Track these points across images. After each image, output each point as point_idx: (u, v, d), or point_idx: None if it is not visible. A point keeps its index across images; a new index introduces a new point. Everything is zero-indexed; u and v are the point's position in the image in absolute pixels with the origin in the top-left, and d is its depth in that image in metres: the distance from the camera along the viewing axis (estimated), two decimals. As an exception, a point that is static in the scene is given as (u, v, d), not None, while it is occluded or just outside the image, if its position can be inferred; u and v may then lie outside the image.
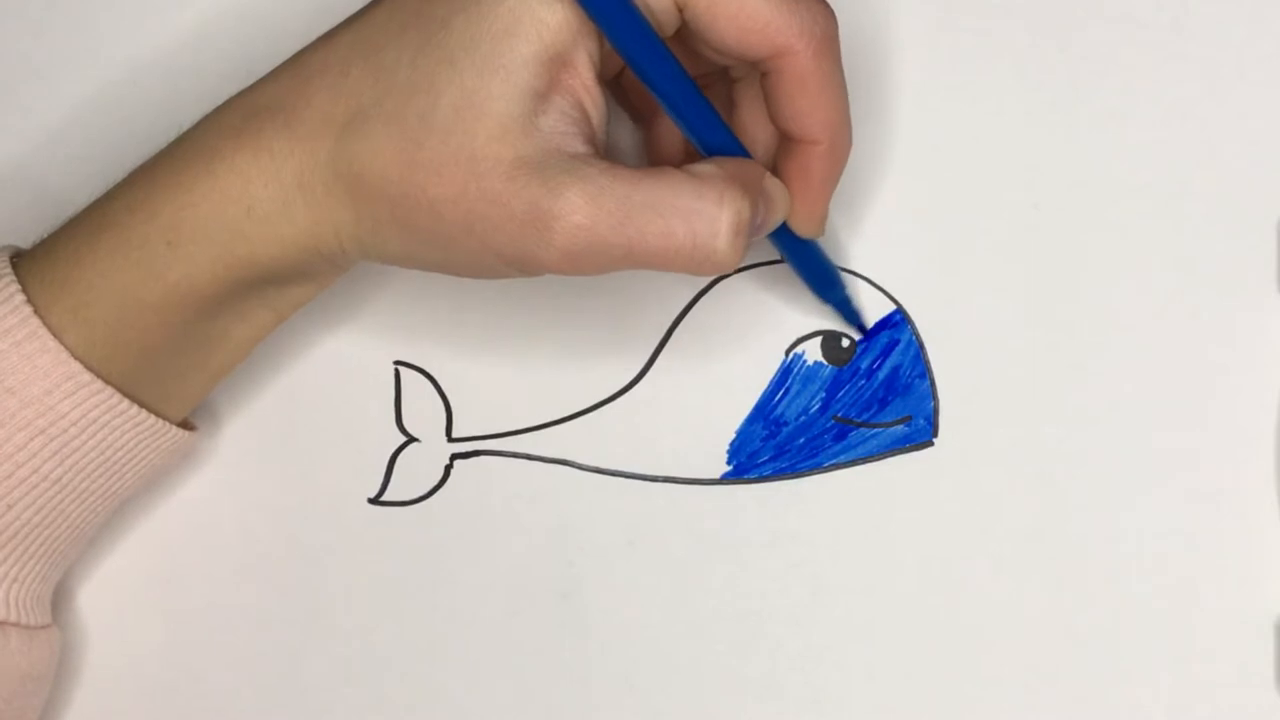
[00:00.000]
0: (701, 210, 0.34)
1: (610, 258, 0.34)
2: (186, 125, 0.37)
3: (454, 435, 0.43)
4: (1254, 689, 0.41)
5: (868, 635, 0.42)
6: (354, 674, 0.42)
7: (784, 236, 0.39)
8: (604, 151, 0.36)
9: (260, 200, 0.35)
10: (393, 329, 0.43)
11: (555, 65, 0.34)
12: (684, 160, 0.38)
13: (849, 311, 0.42)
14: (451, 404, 0.43)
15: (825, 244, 0.41)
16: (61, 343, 0.36)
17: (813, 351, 0.43)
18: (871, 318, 0.43)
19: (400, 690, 0.42)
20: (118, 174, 0.37)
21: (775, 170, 0.38)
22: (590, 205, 0.34)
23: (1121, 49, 0.44)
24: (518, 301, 0.43)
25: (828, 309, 0.43)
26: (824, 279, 0.42)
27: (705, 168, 0.35)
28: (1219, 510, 0.42)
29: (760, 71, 0.37)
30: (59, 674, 0.41)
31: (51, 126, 0.45)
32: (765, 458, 0.43)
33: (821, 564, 0.42)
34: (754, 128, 0.39)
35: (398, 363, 0.43)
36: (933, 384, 0.43)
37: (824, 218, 0.39)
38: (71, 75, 0.45)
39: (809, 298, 0.43)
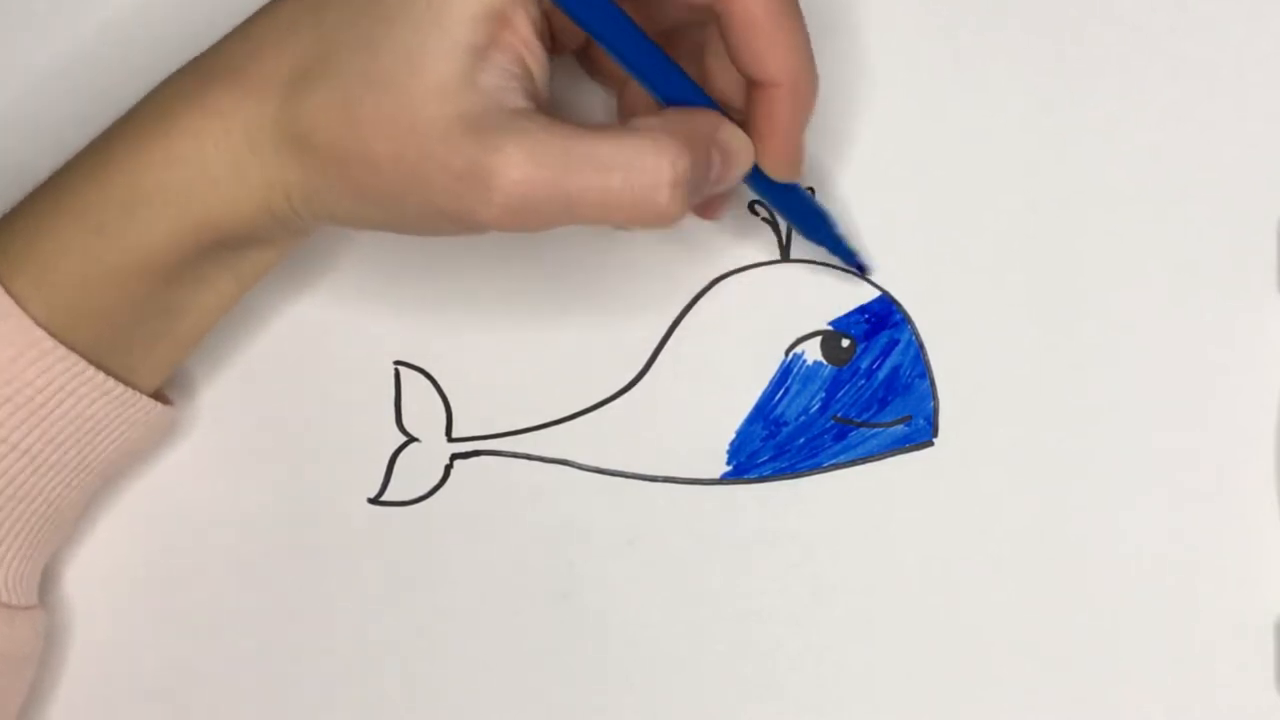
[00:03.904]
0: (640, 163, 0.34)
1: (551, 212, 0.34)
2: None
3: (454, 435, 0.43)
4: (1254, 689, 0.41)
5: (868, 635, 0.42)
6: (354, 674, 0.42)
7: (762, 182, 0.39)
8: (547, 107, 0.35)
9: (212, 161, 0.36)
10: (393, 329, 0.43)
11: (494, 23, 0.34)
12: None
13: (843, 251, 0.42)
14: (451, 404, 0.43)
15: (826, 203, 0.41)
16: (25, 311, 0.36)
17: (813, 351, 0.43)
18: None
19: (400, 690, 0.42)
20: (80, 145, 0.37)
21: (747, 116, 0.38)
22: (528, 160, 0.33)
23: (1118, 49, 0.44)
24: (518, 301, 0.43)
25: (823, 250, 0.42)
26: (811, 221, 0.41)
27: (648, 121, 0.35)
28: (1219, 510, 0.42)
29: (714, 16, 0.37)
30: (48, 668, 0.41)
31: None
32: (765, 458, 0.43)
33: (821, 564, 0.42)
34: (721, 76, 0.39)
35: (398, 363, 0.43)
36: (933, 384, 0.43)
37: (798, 161, 0.38)
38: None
39: (810, 297, 0.43)
